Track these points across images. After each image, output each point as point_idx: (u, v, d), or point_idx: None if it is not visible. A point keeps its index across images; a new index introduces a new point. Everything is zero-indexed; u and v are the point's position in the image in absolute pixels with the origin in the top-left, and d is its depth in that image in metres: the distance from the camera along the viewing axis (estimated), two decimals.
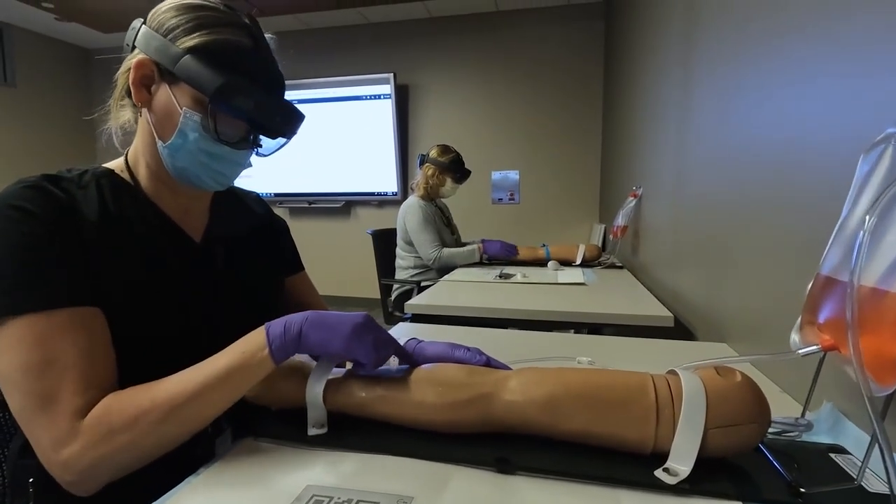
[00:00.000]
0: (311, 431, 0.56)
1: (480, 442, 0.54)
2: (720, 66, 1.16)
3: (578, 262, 2.12)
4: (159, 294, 0.60)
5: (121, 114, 0.64)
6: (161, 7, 0.60)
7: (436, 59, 4.19)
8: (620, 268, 2.11)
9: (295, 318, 0.54)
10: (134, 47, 0.60)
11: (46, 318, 0.49)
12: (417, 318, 1.38)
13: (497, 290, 1.61)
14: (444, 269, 2.12)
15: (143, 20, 0.61)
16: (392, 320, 2.34)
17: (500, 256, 2.16)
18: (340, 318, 0.55)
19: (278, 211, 4.62)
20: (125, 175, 0.63)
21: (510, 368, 0.61)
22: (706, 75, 1.27)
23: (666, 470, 0.47)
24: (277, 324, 0.54)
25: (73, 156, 4.74)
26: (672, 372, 0.53)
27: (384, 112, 4.19)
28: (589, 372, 0.56)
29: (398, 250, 2.32)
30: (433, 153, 2.29)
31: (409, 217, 2.20)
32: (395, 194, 4.28)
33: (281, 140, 0.66)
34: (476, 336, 1.06)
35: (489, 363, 0.62)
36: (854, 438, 0.56)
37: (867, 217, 0.44)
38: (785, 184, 0.81)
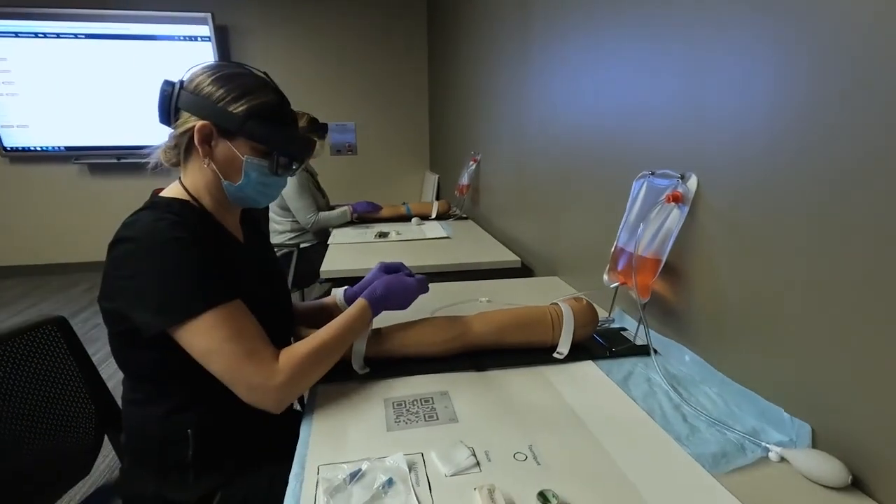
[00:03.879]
0: (360, 371, 0.88)
1: (464, 358, 0.94)
2: (553, 44, 1.55)
3: (433, 216, 2.58)
4: (240, 285, 0.81)
5: (168, 154, 0.84)
6: (202, 79, 0.78)
7: None
8: (466, 219, 2.64)
9: (376, 285, 0.91)
10: (178, 108, 0.77)
11: (225, 307, 0.72)
12: (328, 282, 1.66)
13: (382, 250, 1.95)
14: (320, 231, 2.35)
15: (172, 83, 0.78)
16: None
17: (367, 213, 2.49)
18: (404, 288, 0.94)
19: (74, 168, 3.95)
20: (194, 203, 0.82)
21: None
22: (541, 55, 1.67)
23: (558, 353, 0.95)
24: (368, 291, 0.90)
25: None
26: (554, 303, 1.00)
27: (203, 56, 3.84)
28: (513, 310, 0.99)
29: (272, 215, 2.43)
30: None
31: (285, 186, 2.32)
32: None
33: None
34: None
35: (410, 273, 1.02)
36: (630, 323, 1.13)
37: (641, 224, 0.95)
38: (595, 157, 1.33)
